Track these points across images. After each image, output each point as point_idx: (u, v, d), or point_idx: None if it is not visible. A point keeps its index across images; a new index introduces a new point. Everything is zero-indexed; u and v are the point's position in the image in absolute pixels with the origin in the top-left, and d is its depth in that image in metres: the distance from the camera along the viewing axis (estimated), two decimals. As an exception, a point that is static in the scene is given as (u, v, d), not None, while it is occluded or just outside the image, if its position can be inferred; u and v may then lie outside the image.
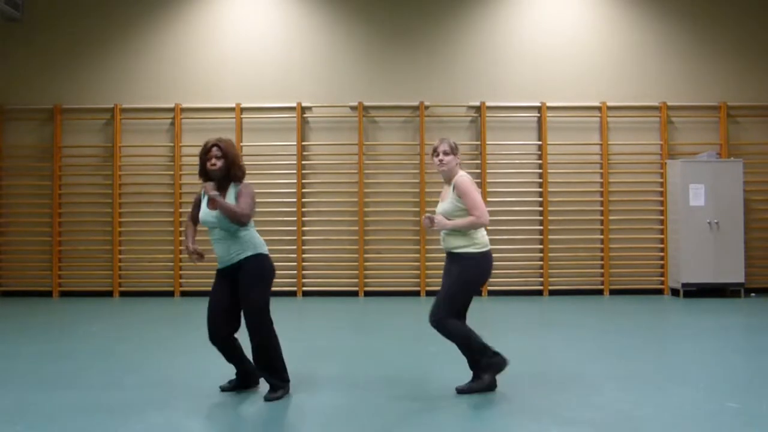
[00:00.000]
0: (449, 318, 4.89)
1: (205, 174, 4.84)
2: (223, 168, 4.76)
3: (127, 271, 10.78)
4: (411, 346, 6.82)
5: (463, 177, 4.93)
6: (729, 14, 10.92)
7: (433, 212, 5.01)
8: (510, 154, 10.82)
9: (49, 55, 10.92)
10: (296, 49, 10.90)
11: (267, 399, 4.76)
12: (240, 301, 4.88)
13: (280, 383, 4.86)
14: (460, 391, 4.86)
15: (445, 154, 4.92)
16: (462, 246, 4.97)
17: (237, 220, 4.72)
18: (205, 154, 4.79)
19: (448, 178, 4.99)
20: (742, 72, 10.88)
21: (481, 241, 5.02)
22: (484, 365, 4.93)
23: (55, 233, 10.72)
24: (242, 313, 4.91)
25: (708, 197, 10.20)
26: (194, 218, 5.06)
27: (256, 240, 4.89)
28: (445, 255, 5.10)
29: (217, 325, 4.92)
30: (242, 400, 4.85)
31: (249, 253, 4.84)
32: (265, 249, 4.92)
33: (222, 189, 4.82)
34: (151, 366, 5.92)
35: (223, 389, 5.02)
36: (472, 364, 4.98)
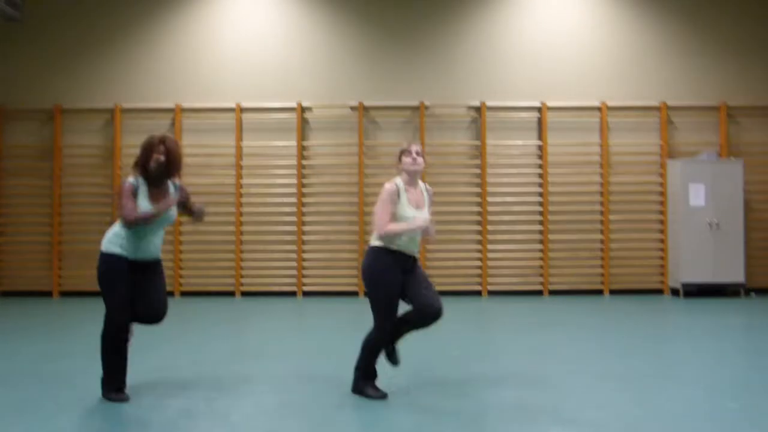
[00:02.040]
0: None
1: (143, 167, 4.86)
2: (163, 164, 4.83)
3: (127, 271, 10.76)
4: (411, 347, 6.81)
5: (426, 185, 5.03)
6: (729, 14, 10.93)
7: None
8: (510, 154, 10.82)
9: (49, 55, 10.92)
10: (296, 49, 10.90)
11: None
12: (157, 293, 5.06)
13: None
14: None
15: (418, 154, 4.88)
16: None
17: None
18: (151, 148, 4.84)
19: (415, 180, 4.92)
20: (742, 72, 10.88)
21: None
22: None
23: (55, 233, 10.72)
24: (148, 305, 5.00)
25: (708, 197, 10.20)
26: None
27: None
28: (411, 258, 4.88)
29: (128, 315, 4.97)
30: (235, 399, 4.85)
31: (159, 256, 5.15)
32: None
33: (159, 185, 4.93)
34: (151, 366, 5.92)
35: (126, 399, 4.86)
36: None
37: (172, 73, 10.90)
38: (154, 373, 5.63)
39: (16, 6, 10.70)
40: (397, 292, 4.77)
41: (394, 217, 4.76)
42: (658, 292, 10.67)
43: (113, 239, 5.00)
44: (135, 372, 5.70)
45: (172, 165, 4.85)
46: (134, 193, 4.86)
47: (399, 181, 4.85)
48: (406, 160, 4.86)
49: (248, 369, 5.81)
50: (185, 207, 5.12)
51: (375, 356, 4.86)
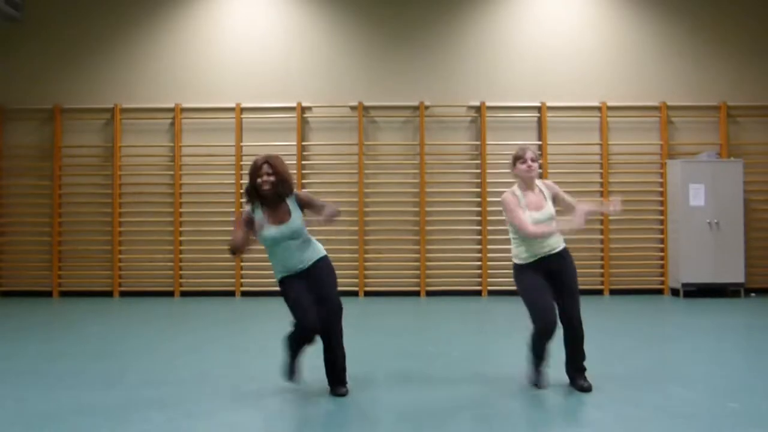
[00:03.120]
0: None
1: (255, 192, 4.82)
2: (274, 185, 4.77)
3: (127, 271, 10.78)
4: (411, 346, 6.81)
5: (549, 181, 5.19)
6: (729, 14, 10.92)
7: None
8: (510, 155, 10.71)
9: (49, 55, 10.92)
10: (296, 49, 10.90)
11: (339, 394, 4.88)
12: (322, 297, 4.90)
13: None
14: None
15: (533, 160, 5.00)
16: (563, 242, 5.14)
17: (337, 214, 4.94)
18: (256, 171, 4.77)
19: (531, 184, 5.04)
20: (742, 72, 10.88)
21: None
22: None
23: (55, 233, 10.72)
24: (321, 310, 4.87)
25: (708, 197, 10.20)
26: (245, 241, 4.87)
27: (319, 244, 5.15)
28: (548, 257, 5.02)
29: (313, 316, 4.81)
30: (235, 399, 4.85)
31: (320, 255, 5.05)
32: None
33: (274, 206, 4.85)
34: (150, 366, 5.92)
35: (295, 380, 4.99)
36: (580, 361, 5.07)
37: (172, 73, 10.90)
38: (154, 373, 5.63)
39: (16, 6, 10.70)
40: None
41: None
42: (658, 292, 10.67)
43: (320, 246, 5.13)
44: (136, 371, 5.71)
45: (282, 183, 4.79)
46: (249, 222, 4.82)
47: (516, 188, 5.03)
48: (521, 167, 4.99)
49: (248, 369, 5.82)
50: (314, 209, 5.00)
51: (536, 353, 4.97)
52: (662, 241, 10.68)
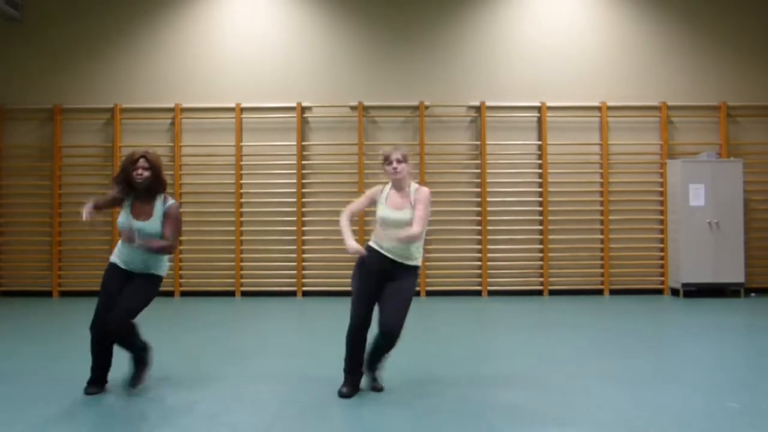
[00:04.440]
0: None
1: (126, 182, 4.96)
2: (149, 178, 4.90)
3: (127, 271, 10.76)
4: (410, 346, 6.81)
5: (425, 188, 5.01)
6: (729, 14, 10.93)
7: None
8: (510, 154, 10.82)
9: (49, 55, 10.92)
10: (296, 49, 10.90)
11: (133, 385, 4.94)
12: (118, 303, 4.96)
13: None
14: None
15: (399, 162, 4.93)
16: (416, 258, 5.14)
17: (169, 252, 4.93)
18: (131, 164, 4.91)
19: (399, 185, 4.99)
20: (742, 72, 10.88)
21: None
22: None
23: (55, 233, 10.72)
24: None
25: (708, 197, 10.20)
26: (107, 203, 5.11)
27: (164, 262, 5.11)
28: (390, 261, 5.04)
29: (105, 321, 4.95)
30: (235, 399, 4.85)
31: (150, 270, 5.00)
32: (164, 272, 5.11)
33: (146, 200, 4.95)
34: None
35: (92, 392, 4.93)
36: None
37: (172, 73, 10.90)
38: (154, 373, 5.63)
39: (16, 6, 10.71)
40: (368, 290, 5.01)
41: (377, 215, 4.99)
42: (658, 292, 10.67)
43: (163, 264, 5.14)
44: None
45: (155, 180, 4.93)
46: (118, 200, 5.04)
47: (389, 185, 5.05)
48: (387, 168, 4.97)
49: (249, 369, 5.81)
50: (165, 227, 4.97)
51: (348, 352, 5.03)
52: (662, 241, 10.68)
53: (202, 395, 4.94)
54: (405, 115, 10.86)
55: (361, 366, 5.01)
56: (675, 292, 10.45)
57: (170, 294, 10.55)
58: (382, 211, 4.94)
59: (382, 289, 4.95)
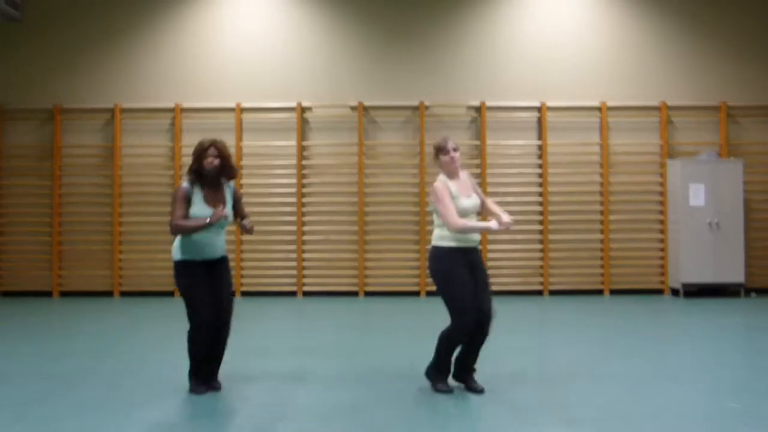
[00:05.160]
0: None
1: (197, 172, 4.99)
2: (218, 167, 4.99)
3: (127, 271, 10.78)
4: (411, 345, 6.82)
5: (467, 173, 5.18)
6: (729, 14, 10.92)
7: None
8: (510, 154, 10.82)
9: (49, 55, 10.92)
10: (296, 49, 10.90)
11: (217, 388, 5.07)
12: (222, 293, 5.07)
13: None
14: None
15: (455, 150, 5.02)
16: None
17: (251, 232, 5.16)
18: (203, 151, 4.97)
19: (456, 174, 5.04)
20: (742, 72, 10.88)
21: None
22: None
23: (55, 233, 10.72)
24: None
25: (708, 197, 10.20)
26: (184, 216, 4.97)
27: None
28: (471, 250, 4.98)
29: (214, 313, 4.98)
30: (235, 399, 4.85)
31: (225, 253, 5.20)
32: None
33: (214, 187, 5.04)
34: (151, 366, 5.92)
35: (202, 392, 5.00)
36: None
37: (172, 73, 10.90)
38: (154, 373, 5.63)
39: (16, 6, 10.71)
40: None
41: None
42: (658, 292, 10.67)
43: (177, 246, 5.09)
44: (135, 371, 5.71)
45: (226, 167, 5.02)
46: (188, 199, 4.95)
47: (443, 177, 5.02)
48: (444, 158, 5.01)
49: (249, 369, 5.81)
50: (236, 211, 5.17)
51: (448, 353, 4.97)
52: (662, 241, 10.68)
53: (201, 395, 4.93)
54: (405, 115, 10.86)
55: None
56: (675, 292, 10.45)
57: (170, 294, 10.55)
58: (463, 202, 4.93)
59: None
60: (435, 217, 5.02)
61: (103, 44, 10.93)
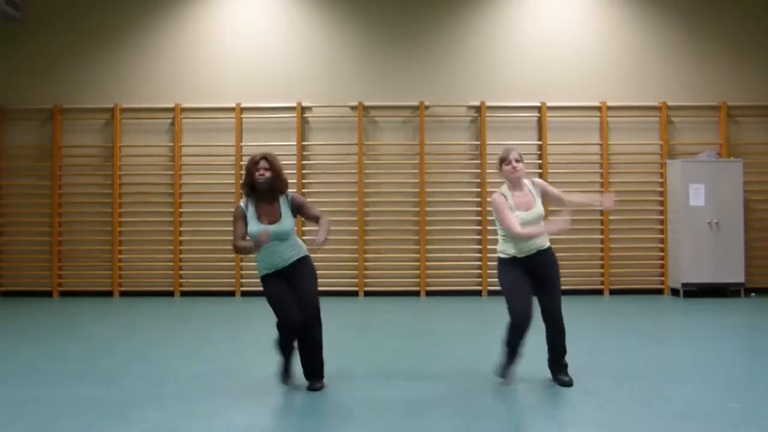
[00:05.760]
0: None
1: (250, 185, 5.02)
2: (270, 179, 4.98)
3: (127, 271, 10.77)
4: (411, 345, 6.82)
5: (538, 179, 5.33)
6: (729, 14, 10.92)
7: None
8: (510, 154, 10.79)
9: (49, 55, 10.92)
10: (296, 49, 10.90)
11: (315, 389, 5.01)
12: (301, 292, 5.01)
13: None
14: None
15: (517, 161, 5.09)
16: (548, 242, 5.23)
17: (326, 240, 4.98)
18: (253, 165, 5.00)
19: (519, 184, 5.12)
20: (742, 72, 10.88)
21: None
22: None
23: (55, 233, 10.72)
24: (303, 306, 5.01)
25: (708, 197, 10.20)
26: (243, 236, 5.03)
27: (302, 243, 5.23)
28: (534, 255, 5.10)
29: (296, 313, 4.96)
30: (235, 399, 4.85)
31: (302, 254, 5.12)
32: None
33: (269, 200, 5.04)
34: (150, 366, 5.92)
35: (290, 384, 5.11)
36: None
37: (172, 73, 10.90)
38: (154, 373, 5.63)
39: (16, 6, 10.71)
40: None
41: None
42: (658, 292, 10.67)
43: (303, 243, 5.22)
44: (136, 371, 5.71)
45: (276, 179, 5.02)
46: (243, 217, 4.99)
47: (504, 188, 5.12)
48: (506, 168, 5.10)
49: (248, 369, 5.81)
50: (306, 215, 5.20)
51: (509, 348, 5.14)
52: (662, 241, 10.68)
53: (201, 395, 4.93)
54: (405, 115, 10.86)
55: None
56: (675, 292, 10.45)
57: (170, 294, 10.56)
58: (519, 215, 5.01)
59: (535, 282, 5.10)
60: (498, 228, 5.19)
61: (103, 44, 10.93)
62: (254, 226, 4.95)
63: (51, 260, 10.73)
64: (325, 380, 5.10)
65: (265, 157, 5.00)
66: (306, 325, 4.96)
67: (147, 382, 5.30)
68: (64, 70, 10.91)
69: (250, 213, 5.00)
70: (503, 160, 5.13)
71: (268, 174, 4.96)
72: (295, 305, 4.93)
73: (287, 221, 5.02)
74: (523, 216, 5.00)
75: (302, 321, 4.93)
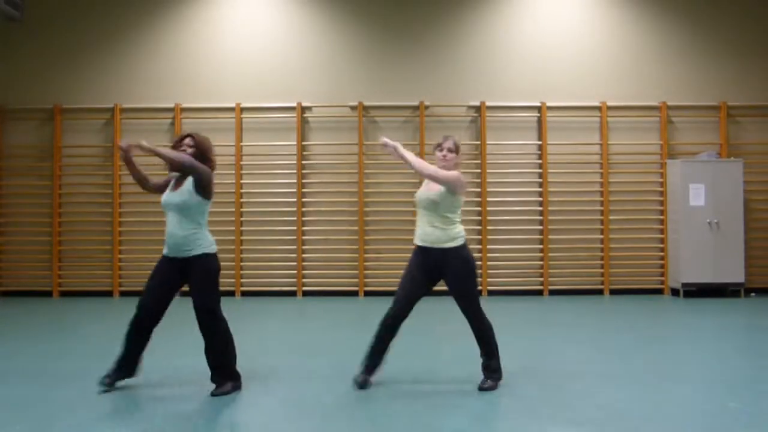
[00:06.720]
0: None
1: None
2: (191, 155, 5.09)
3: (127, 271, 10.77)
4: (411, 345, 6.81)
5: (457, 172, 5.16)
6: (729, 14, 10.92)
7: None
8: (510, 154, 10.82)
9: (49, 55, 10.92)
10: (296, 49, 10.90)
11: (212, 393, 4.98)
12: (192, 293, 5.08)
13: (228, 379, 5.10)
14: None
15: (450, 151, 5.09)
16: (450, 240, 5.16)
17: (179, 165, 5.02)
18: (178, 141, 5.20)
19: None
20: (742, 72, 10.88)
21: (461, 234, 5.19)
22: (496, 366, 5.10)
23: (55, 233, 10.72)
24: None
25: (708, 197, 10.20)
26: (150, 184, 5.34)
27: (207, 240, 5.15)
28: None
29: (152, 303, 5.14)
30: (235, 399, 4.85)
31: (200, 252, 5.08)
32: (213, 248, 5.15)
33: (182, 177, 5.17)
34: (150, 366, 5.91)
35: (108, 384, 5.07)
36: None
37: (172, 73, 10.90)
38: (155, 373, 5.63)
39: (16, 6, 10.70)
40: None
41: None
42: (658, 292, 10.67)
43: (208, 240, 5.21)
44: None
45: (200, 158, 5.12)
46: (168, 182, 5.31)
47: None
48: (438, 154, 5.16)
49: (248, 369, 5.81)
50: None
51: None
52: (662, 241, 10.68)
53: (201, 395, 4.93)
54: (405, 115, 10.86)
55: None
56: (675, 292, 10.45)
57: (170, 294, 10.54)
58: (417, 192, 5.19)
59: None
60: (449, 215, 5.10)
61: (103, 44, 10.93)
62: (167, 192, 5.17)
63: (51, 260, 10.73)
64: (232, 385, 5.04)
65: (190, 135, 5.17)
66: (158, 320, 5.13)
67: (147, 383, 5.30)
68: (64, 70, 10.91)
69: (171, 184, 5.22)
70: (437, 145, 5.18)
71: (190, 151, 5.10)
72: (158, 296, 5.12)
73: (185, 194, 5.07)
74: (418, 193, 5.15)
75: (148, 311, 5.13)
